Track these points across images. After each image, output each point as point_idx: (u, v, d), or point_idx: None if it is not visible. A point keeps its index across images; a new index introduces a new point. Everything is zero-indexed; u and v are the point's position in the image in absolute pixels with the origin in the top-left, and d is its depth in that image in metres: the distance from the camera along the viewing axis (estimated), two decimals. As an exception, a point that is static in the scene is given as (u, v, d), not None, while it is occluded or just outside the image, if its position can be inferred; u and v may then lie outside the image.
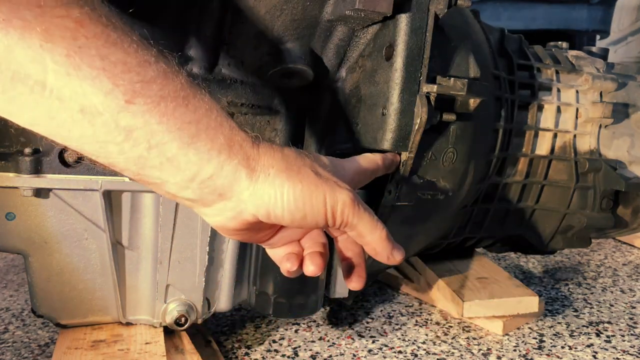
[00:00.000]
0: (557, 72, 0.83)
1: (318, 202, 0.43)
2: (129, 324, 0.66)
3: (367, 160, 0.55)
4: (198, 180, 0.40)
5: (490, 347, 0.74)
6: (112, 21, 0.36)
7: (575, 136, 0.82)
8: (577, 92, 0.82)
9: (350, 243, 0.51)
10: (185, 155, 0.39)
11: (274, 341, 0.73)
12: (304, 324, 0.78)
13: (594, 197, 0.83)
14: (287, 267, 0.48)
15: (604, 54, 0.93)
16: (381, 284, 0.94)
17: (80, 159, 0.58)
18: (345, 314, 0.82)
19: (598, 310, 0.88)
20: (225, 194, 0.41)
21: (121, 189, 0.61)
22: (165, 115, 0.38)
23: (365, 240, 0.47)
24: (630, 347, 0.76)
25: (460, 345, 0.75)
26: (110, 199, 0.61)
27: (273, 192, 0.42)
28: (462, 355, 0.72)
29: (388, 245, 0.47)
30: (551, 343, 0.76)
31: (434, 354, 0.72)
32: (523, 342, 0.76)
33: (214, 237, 0.65)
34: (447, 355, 0.72)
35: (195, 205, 0.42)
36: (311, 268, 0.48)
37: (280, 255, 0.50)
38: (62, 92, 0.35)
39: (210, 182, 0.40)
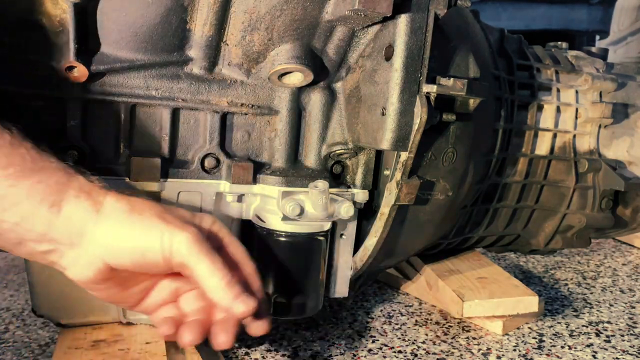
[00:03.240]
0: (556, 72, 0.83)
1: (154, 238, 0.44)
2: (129, 323, 0.66)
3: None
4: (52, 231, 0.43)
5: (490, 347, 0.74)
6: None
7: (574, 136, 0.82)
8: (576, 92, 0.83)
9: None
10: (38, 210, 0.43)
11: (274, 341, 0.73)
12: (304, 324, 0.78)
13: (594, 197, 0.83)
14: (163, 330, 0.49)
15: (603, 54, 0.93)
16: (381, 284, 0.95)
17: (81, 159, 0.58)
18: (345, 314, 0.82)
19: (598, 310, 0.88)
20: (75, 238, 0.44)
21: (122, 189, 0.61)
22: (17, 179, 0.42)
23: (206, 286, 0.46)
24: (630, 347, 0.76)
25: (460, 345, 0.75)
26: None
27: (118, 231, 0.44)
28: (462, 355, 0.72)
29: (229, 292, 0.46)
30: (551, 343, 0.76)
31: (434, 353, 0.72)
32: (523, 342, 0.76)
33: (214, 237, 0.65)
34: (447, 355, 0.72)
35: (53, 256, 0.45)
36: (188, 338, 0.49)
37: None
38: None
39: (63, 228, 0.43)
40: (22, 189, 0.42)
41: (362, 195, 0.67)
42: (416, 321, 0.82)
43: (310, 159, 0.66)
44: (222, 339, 0.49)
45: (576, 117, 0.82)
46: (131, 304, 0.51)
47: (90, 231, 0.44)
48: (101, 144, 0.59)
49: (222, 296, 0.46)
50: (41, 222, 0.43)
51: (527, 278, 1.03)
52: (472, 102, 0.61)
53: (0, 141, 0.42)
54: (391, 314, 0.84)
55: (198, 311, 0.51)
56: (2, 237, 0.43)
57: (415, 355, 0.71)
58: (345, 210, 0.63)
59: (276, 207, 0.63)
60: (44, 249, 0.45)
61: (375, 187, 0.69)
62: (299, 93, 0.64)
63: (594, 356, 0.73)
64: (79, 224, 0.44)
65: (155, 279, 0.51)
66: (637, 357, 0.73)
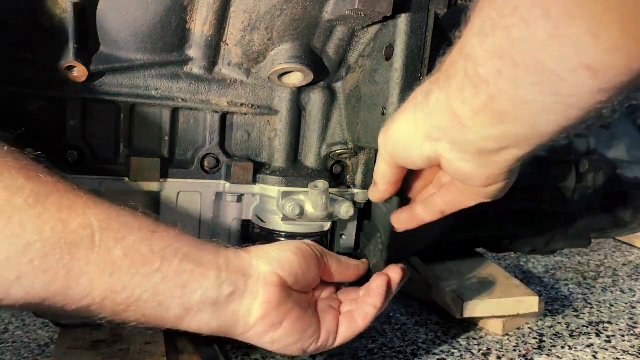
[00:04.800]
0: (557, 72, 0.83)
1: (298, 244, 0.53)
2: (129, 324, 0.66)
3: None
4: (224, 270, 0.46)
5: (490, 347, 0.74)
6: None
7: (575, 136, 0.82)
8: (577, 92, 0.82)
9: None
10: (203, 256, 0.46)
11: (274, 341, 0.73)
12: (304, 324, 0.78)
13: (594, 197, 0.83)
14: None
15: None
16: (381, 284, 0.94)
17: (81, 159, 0.58)
18: (345, 314, 0.82)
19: (598, 310, 0.88)
20: (244, 270, 0.48)
21: (122, 189, 0.61)
22: (177, 236, 0.46)
23: (343, 267, 0.56)
24: (631, 347, 0.76)
25: (460, 345, 0.75)
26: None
27: (273, 251, 0.50)
28: (462, 355, 0.72)
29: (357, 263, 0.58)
30: (551, 343, 0.76)
31: (434, 354, 0.72)
32: (523, 342, 0.76)
33: (213, 237, 0.65)
34: (447, 355, 0.72)
35: (235, 301, 0.47)
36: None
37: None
38: (108, 244, 0.40)
39: (230, 266, 0.47)
40: (186, 241, 0.46)
41: (362, 195, 0.67)
42: (416, 321, 0.82)
43: (310, 159, 0.66)
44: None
45: (576, 117, 0.82)
46: (315, 330, 0.52)
47: (254, 261, 0.49)
48: (101, 144, 0.59)
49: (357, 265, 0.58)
50: (211, 263, 0.46)
51: (528, 278, 1.03)
52: (473, 102, 0.61)
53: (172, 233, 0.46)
54: (391, 314, 0.84)
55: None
56: (187, 292, 0.44)
57: (416, 356, 0.71)
58: (345, 210, 0.63)
59: (276, 207, 0.63)
60: (225, 293, 0.46)
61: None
62: (299, 93, 0.64)
63: (594, 356, 0.73)
64: (240, 258, 0.49)
65: (312, 295, 0.55)
66: (637, 357, 0.73)
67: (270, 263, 0.49)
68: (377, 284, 0.53)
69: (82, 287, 0.39)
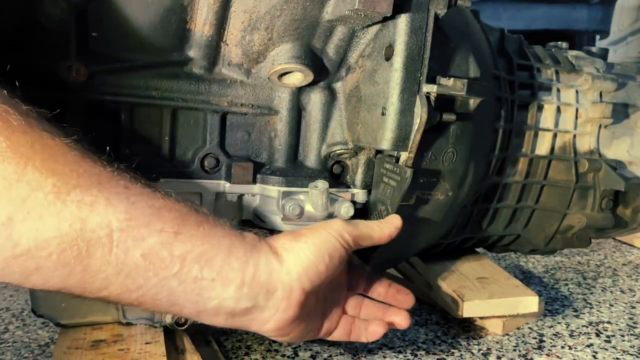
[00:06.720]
0: (557, 72, 0.83)
1: (328, 234, 0.51)
2: (129, 324, 0.66)
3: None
4: (247, 284, 0.46)
5: (490, 347, 0.74)
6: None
7: (575, 136, 0.82)
8: (577, 92, 0.82)
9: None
10: (229, 264, 0.45)
11: (274, 341, 0.73)
12: (304, 324, 0.78)
13: (594, 197, 0.83)
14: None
15: (603, 54, 0.93)
16: (381, 284, 0.94)
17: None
18: (345, 314, 0.82)
19: (598, 310, 0.88)
20: (269, 285, 0.47)
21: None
22: (206, 237, 0.44)
23: (373, 230, 0.56)
24: (630, 347, 0.76)
25: (460, 345, 0.75)
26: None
27: (300, 256, 0.48)
28: (462, 355, 0.72)
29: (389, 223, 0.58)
30: (551, 343, 0.76)
31: (434, 354, 0.72)
32: (523, 342, 0.76)
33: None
34: (447, 355, 0.72)
35: (252, 314, 0.47)
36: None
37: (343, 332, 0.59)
38: (126, 244, 0.40)
39: (256, 280, 0.46)
40: (213, 243, 0.45)
41: (362, 195, 0.67)
42: (416, 321, 0.82)
43: (310, 159, 0.66)
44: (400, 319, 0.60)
45: (576, 117, 0.82)
46: (317, 329, 0.56)
47: (284, 275, 0.48)
48: (101, 145, 0.59)
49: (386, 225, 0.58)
50: (235, 274, 0.45)
51: (527, 278, 1.03)
52: (472, 102, 0.61)
53: (186, 207, 0.46)
54: (391, 314, 0.83)
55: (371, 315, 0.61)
56: (204, 299, 0.45)
57: (415, 356, 0.71)
58: (345, 210, 0.63)
59: (276, 207, 0.63)
60: (244, 305, 0.46)
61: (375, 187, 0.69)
62: (298, 93, 0.64)
63: (594, 356, 0.73)
64: (270, 269, 0.47)
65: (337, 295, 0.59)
66: (637, 357, 0.73)
67: (300, 277, 0.48)
68: (375, 331, 0.59)
69: (98, 283, 0.40)
